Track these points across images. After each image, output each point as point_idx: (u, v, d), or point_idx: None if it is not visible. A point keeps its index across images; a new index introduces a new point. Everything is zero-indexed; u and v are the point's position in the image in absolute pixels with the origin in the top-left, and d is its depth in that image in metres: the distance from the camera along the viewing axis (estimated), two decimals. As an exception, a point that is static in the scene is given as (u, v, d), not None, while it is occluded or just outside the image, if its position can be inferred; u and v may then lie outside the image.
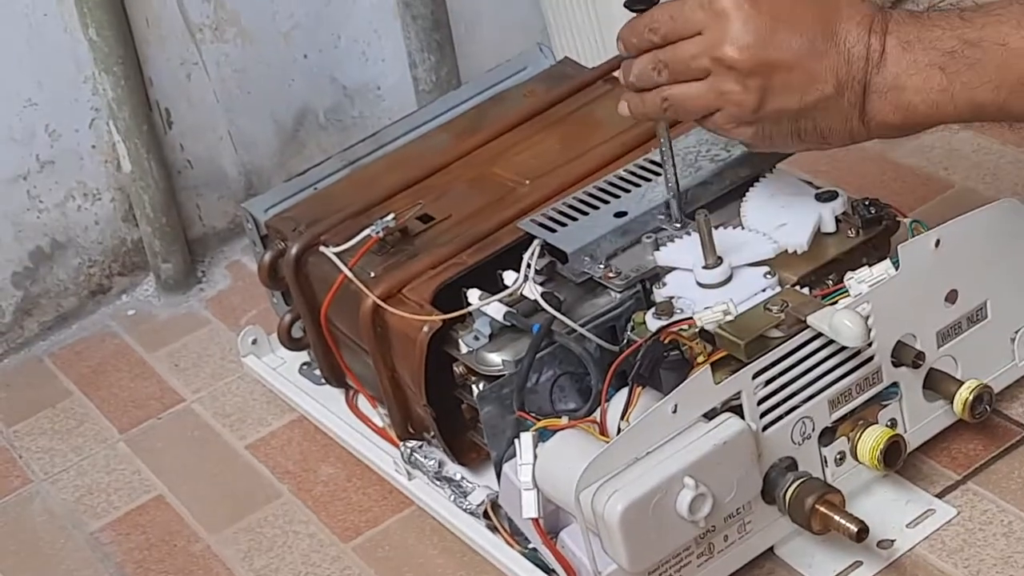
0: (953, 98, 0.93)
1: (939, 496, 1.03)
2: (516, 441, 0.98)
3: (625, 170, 1.12)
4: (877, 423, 1.01)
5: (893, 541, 1.00)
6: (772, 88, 0.94)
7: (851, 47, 0.93)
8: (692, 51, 0.95)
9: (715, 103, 0.96)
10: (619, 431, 0.96)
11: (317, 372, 1.21)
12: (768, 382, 0.96)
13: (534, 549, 1.01)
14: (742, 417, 0.95)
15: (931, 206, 1.27)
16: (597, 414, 0.98)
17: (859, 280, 0.99)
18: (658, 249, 1.05)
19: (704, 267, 1.01)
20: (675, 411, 0.93)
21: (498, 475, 1.02)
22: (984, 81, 0.92)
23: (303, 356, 1.24)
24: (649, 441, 0.93)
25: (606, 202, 1.09)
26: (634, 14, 1.00)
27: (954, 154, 1.31)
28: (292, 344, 1.23)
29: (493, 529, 1.05)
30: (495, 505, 1.04)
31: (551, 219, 1.08)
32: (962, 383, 1.02)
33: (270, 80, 1.45)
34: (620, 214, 1.07)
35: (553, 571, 0.99)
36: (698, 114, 0.98)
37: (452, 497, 1.08)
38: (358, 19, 1.47)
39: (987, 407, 1.02)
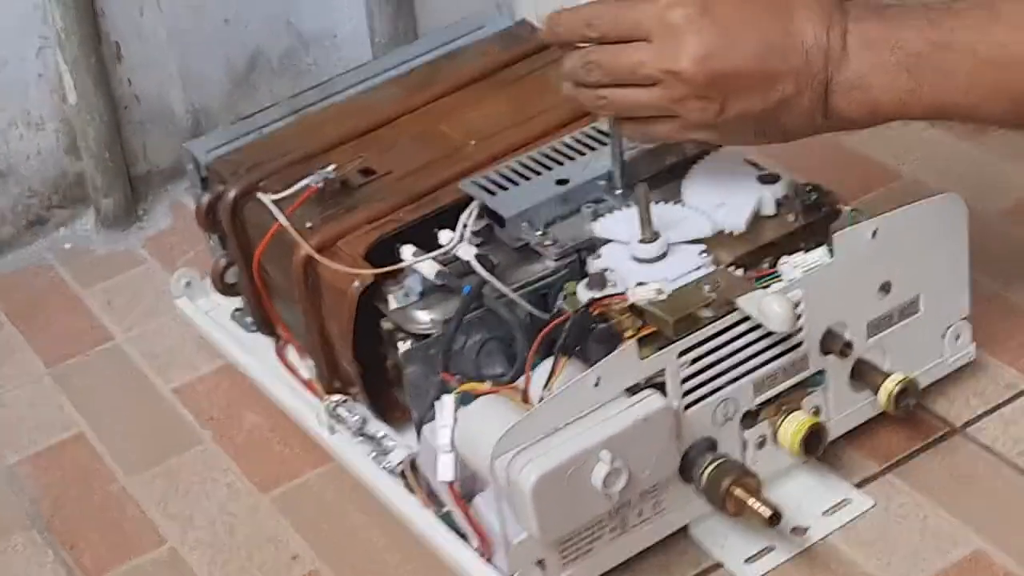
0: (921, 99, 0.93)
1: (858, 486, 1.03)
2: (439, 402, 0.98)
3: (572, 137, 1.11)
4: (801, 409, 1.01)
5: (807, 528, 1.00)
6: (732, 95, 0.94)
7: (809, 46, 0.93)
8: (639, 58, 0.95)
9: (669, 110, 0.96)
10: (541, 400, 0.96)
11: (249, 319, 1.21)
12: (694, 361, 0.96)
13: (448, 512, 1.01)
14: (664, 394, 0.95)
15: (877, 195, 1.27)
16: (522, 381, 0.98)
17: (793, 265, 0.99)
18: (596, 220, 1.05)
19: (640, 241, 1.01)
20: (597, 384, 0.93)
21: (419, 437, 1.02)
22: (953, 86, 0.92)
23: (236, 302, 1.23)
24: (569, 412, 0.93)
25: (549, 168, 1.09)
26: None
27: (907, 145, 1.31)
28: (225, 289, 1.22)
29: (410, 490, 1.05)
30: (413, 465, 1.04)
31: (492, 182, 1.08)
32: (888, 375, 1.03)
33: (225, 20, 1.44)
34: (562, 181, 1.07)
35: (465, 537, 0.99)
36: (643, 115, 0.98)
37: (372, 455, 1.08)
38: (321, -34, 1.47)
39: (912, 401, 1.03)
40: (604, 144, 1.08)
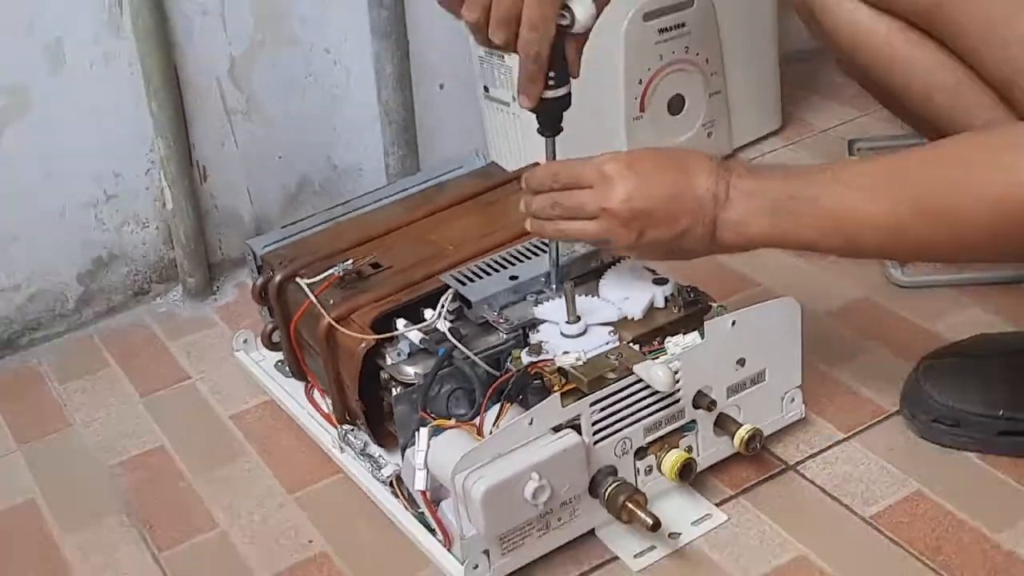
0: (780, 234, 0.93)
1: (717, 505, 1.03)
2: (417, 433, 0.98)
3: (523, 246, 1.12)
4: (678, 447, 1.01)
5: (680, 534, 1.00)
6: (647, 227, 0.95)
7: (702, 194, 0.94)
8: (585, 200, 0.96)
9: (606, 236, 0.97)
10: (490, 434, 0.96)
11: (287, 369, 1.21)
12: (602, 410, 0.96)
13: (423, 513, 1.01)
14: (580, 433, 0.95)
15: (740, 296, 1.27)
16: (479, 420, 0.99)
17: (675, 344, 1.00)
18: (537, 305, 1.05)
19: (567, 323, 1.02)
20: (531, 423, 0.93)
21: (403, 457, 1.02)
22: (803, 226, 0.92)
23: (278, 356, 1.23)
24: (510, 443, 0.93)
25: (505, 268, 1.09)
26: (544, 138, 1.02)
27: (766, 264, 1.31)
28: (271, 347, 1.22)
29: (396, 496, 1.05)
30: (399, 478, 1.04)
31: (464, 275, 1.08)
32: (741, 425, 1.03)
33: (282, 154, 1.45)
34: (513, 277, 1.07)
35: (433, 531, 1.00)
36: (589, 241, 0.99)
37: (370, 469, 1.08)
38: (351, 118, 1.47)
39: (758, 444, 1.03)
40: (544, 252, 1.09)
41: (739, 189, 0.93)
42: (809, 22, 1.06)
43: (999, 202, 0.81)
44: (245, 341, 1.27)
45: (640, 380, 0.97)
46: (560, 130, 1.01)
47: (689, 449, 1.02)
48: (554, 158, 1.02)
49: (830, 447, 1.08)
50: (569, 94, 0.99)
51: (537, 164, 1.04)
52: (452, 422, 0.98)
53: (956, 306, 1.24)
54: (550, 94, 0.98)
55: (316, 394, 1.18)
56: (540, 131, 1.02)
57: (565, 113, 1.01)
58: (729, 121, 1.51)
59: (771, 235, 0.93)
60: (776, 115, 1.57)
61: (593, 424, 0.96)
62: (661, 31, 1.40)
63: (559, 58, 0.97)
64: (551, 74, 0.97)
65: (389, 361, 1.03)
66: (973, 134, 0.88)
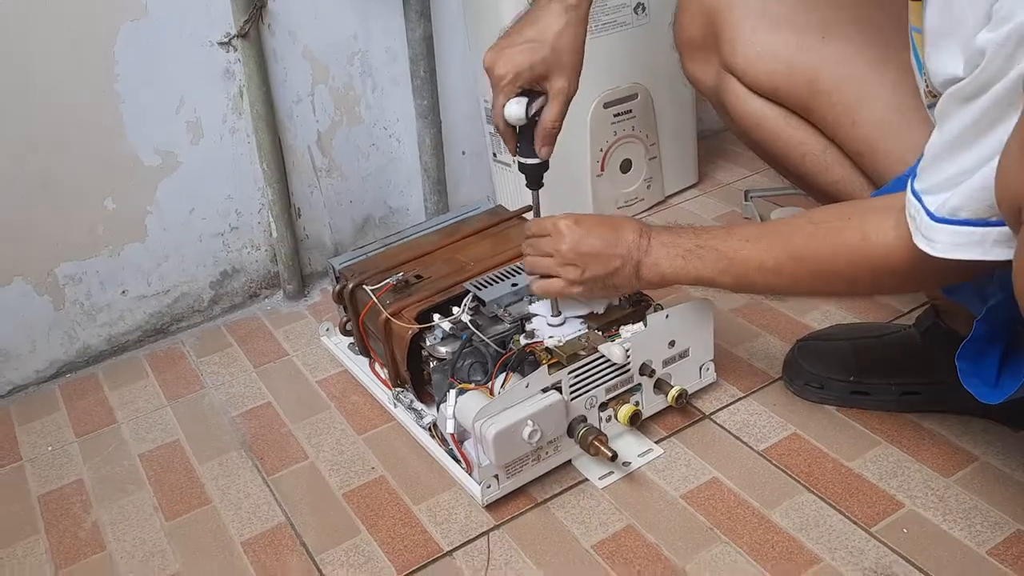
0: (688, 274, 0.92)
1: (656, 442, 1.03)
2: (447, 393, 0.98)
3: (521, 263, 1.11)
4: (629, 402, 1.01)
5: (630, 463, 1.00)
6: (587, 267, 0.94)
7: (629, 244, 0.93)
8: (544, 244, 0.96)
9: (554, 272, 0.96)
10: (498, 394, 0.96)
11: (356, 348, 1.20)
12: (576, 377, 0.96)
13: (452, 449, 1.01)
14: (561, 393, 0.95)
15: (671, 299, 1.27)
16: (491, 384, 0.98)
17: (626, 330, 1.00)
18: (531, 304, 1.05)
19: (552, 315, 1.02)
20: (528, 387, 0.93)
21: (438, 410, 1.02)
22: (706, 267, 0.90)
23: (350, 340, 1.22)
24: (513, 401, 0.93)
25: (509, 278, 1.09)
26: (531, 191, 1.01)
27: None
28: (345, 334, 1.21)
29: (433, 437, 1.04)
30: (435, 425, 1.04)
31: (481, 283, 1.08)
32: (673, 387, 1.03)
33: (353, 200, 1.44)
34: (515, 284, 1.07)
35: (459, 461, 0.99)
36: (544, 273, 0.98)
37: (415, 419, 1.07)
38: (401, 175, 1.47)
39: (685, 400, 1.03)
40: (536, 267, 1.08)
41: (657, 241, 0.93)
42: (719, 109, 1.06)
43: (850, 254, 0.80)
44: (327, 329, 1.27)
45: (603, 356, 0.97)
46: (541, 185, 1.01)
47: (636, 404, 1.02)
48: (538, 205, 1.02)
49: (734, 402, 1.08)
50: (542, 163, 0.98)
51: (529, 207, 1.03)
52: (472, 386, 0.98)
53: (819, 304, 1.23)
54: (522, 160, 0.98)
55: (377, 366, 1.18)
56: (527, 186, 1.01)
57: (548, 172, 1.00)
58: (662, 177, 1.52)
59: (680, 274, 0.92)
60: (694, 173, 1.58)
61: (570, 386, 0.96)
62: (616, 115, 1.41)
63: (524, 138, 0.96)
64: (519, 145, 0.97)
65: (428, 343, 1.03)
66: (833, 206, 0.86)
